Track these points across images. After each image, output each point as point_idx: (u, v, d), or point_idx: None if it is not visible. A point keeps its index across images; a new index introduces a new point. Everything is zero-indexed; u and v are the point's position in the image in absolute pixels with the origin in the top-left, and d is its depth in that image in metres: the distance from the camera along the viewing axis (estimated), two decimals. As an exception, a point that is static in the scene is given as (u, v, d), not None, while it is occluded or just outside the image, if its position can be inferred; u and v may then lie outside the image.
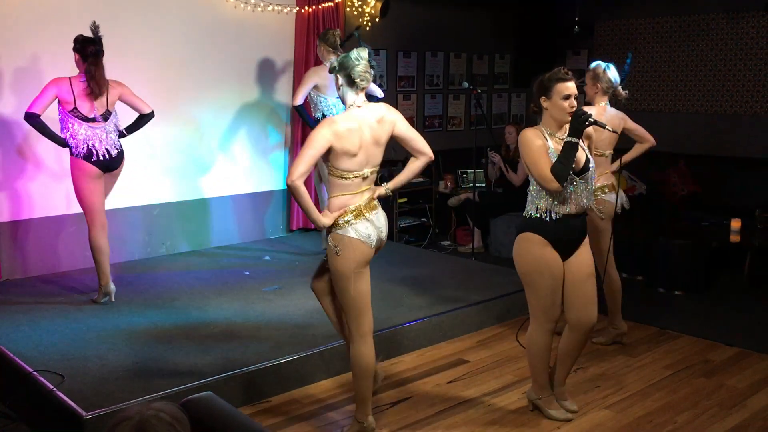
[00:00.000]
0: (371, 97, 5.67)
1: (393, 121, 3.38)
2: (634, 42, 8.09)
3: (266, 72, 6.68)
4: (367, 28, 7.32)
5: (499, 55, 8.88)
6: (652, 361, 4.53)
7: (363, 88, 3.29)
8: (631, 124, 4.72)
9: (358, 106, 3.30)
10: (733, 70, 7.39)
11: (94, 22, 4.71)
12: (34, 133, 4.90)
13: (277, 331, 4.43)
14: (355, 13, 7.22)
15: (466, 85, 6.80)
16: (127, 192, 5.93)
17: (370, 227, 3.33)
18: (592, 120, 3.45)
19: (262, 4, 6.41)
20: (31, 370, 3.75)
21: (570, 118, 3.45)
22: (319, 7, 6.77)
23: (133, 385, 3.66)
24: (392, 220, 7.16)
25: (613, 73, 4.56)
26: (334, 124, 3.23)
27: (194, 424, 1.72)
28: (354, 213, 3.30)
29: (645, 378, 4.26)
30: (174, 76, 6.11)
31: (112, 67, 5.71)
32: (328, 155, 3.26)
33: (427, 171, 7.62)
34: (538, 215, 3.54)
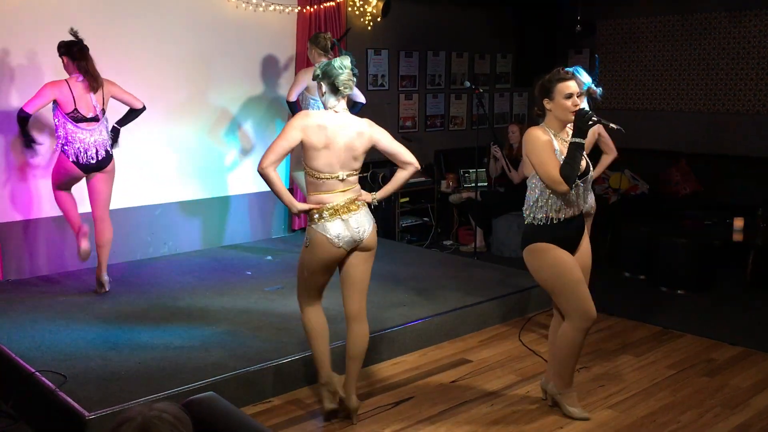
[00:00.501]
0: (355, 104, 5.96)
1: (373, 137, 3.49)
2: (637, 41, 8.09)
3: (268, 72, 6.67)
4: (369, 28, 7.32)
5: (501, 54, 8.87)
6: (655, 360, 4.52)
7: (345, 96, 3.44)
8: (604, 132, 4.72)
9: (336, 111, 3.44)
10: (736, 69, 7.38)
11: (72, 28, 4.84)
12: (36, 133, 4.97)
13: (279, 331, 4.43)
14: (357, 12, 7.22)
15: (467, 84, 6.80)
16: (129, 192, 5.93)
17: (342, 227, 3.42)
18: (596, 119, 3.44)
19: (263, 4, 6.41)
20: (33, 370, 3.75)
21: (573, 117, 3.46)
22: (321, 6, 6.77)
23: (135, 385, 3.66)
24: (394, 220, 7.17)
25: (584, 77, 4.58)
26: (307, 117, 3.41)
27: (196, 424, 1.71)
28: (329, 211, 3.40)
29: (648, 377, 4.25)
30: (175, 76, 6.11)
31: (114, 67, 5.72)
32: (301, 150, 3.42)
33: (429, 171, 7.67)
34: (543, 221, 3.55)
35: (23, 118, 4.80)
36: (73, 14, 5.44)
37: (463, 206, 7.47)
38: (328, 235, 3.40)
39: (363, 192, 3.55)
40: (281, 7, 6.52)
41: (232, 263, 6.04)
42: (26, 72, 5.33)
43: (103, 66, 5.61)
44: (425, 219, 7.56)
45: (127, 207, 5.94)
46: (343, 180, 3.43)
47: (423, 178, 7.44)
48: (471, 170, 7.50)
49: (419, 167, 3.63)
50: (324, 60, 5.59)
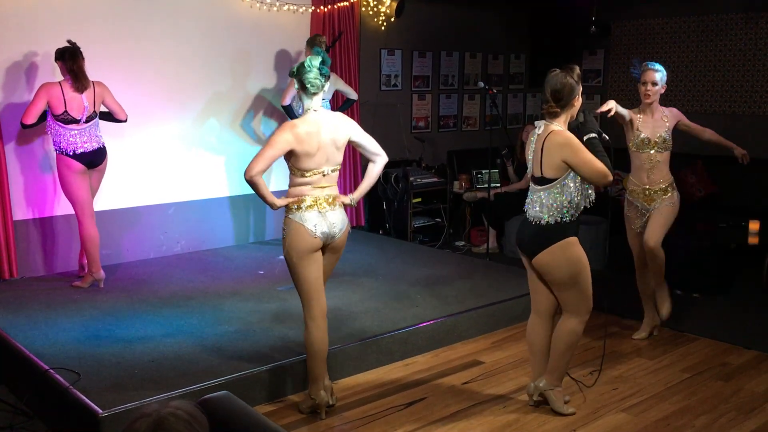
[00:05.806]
0: (349, 101, 6.26)
1: (349, 128, 3.63)
2: (652, 42, 8.04)
3: (282, 71, 6.68)
4: (383, 28, 7.32)
5: (515, 55, 8.85)
6: (670, 363, 4.49)
7: (314, 93, 3.52)
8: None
9: (315, 110, 3.53)
10: (752, 71, 7.32)
11: (69, 41, 4.93)
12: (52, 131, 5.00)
13: (292, 331, 4.43)
14: (371, 12, 7.22)
15: (481, 85, 6.78)
16: (142, 191, 5.96)
17: (320, 219, 3.54)
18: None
19: (277, 4, 6.42)
20: (47, 367, 3.77)
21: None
22: (335, 6, 6.77)
23: (148, 383, 3.67)
24: (407, 220, 7.16)
25: None
26: (295, 128, 3.47)
27: (211, 423, 1.71)
28: (308, 203, 3.51)
29: (662, 381, 4.23)
30: (190, 75, 6.13)
31: (130, 68, 5.75)
32: (289, 155, 3.49)
33: (442, 171, 7.65)
34: (569, 218, 3.57)
35: (29, 128, 4.95)
36: (90, 17, 5.49)
37: (476, 207, 7.45)
38: (305, 225, 3.52)
39: (341, 195, 3.66)
40: (295, 7, 6.53)
41: (245, 262, 6.05)
42: (42, 72, 5.35)
43: (120, 68, 5.66)
44: (437, 220, 7.54)
45: (140, 206, 5.97)
46: (326, 175, 3.55)
47: (435, 179, 7.43)
48: (484, 171, 7.48)
49: (387, 159, 3.78)
50: None
